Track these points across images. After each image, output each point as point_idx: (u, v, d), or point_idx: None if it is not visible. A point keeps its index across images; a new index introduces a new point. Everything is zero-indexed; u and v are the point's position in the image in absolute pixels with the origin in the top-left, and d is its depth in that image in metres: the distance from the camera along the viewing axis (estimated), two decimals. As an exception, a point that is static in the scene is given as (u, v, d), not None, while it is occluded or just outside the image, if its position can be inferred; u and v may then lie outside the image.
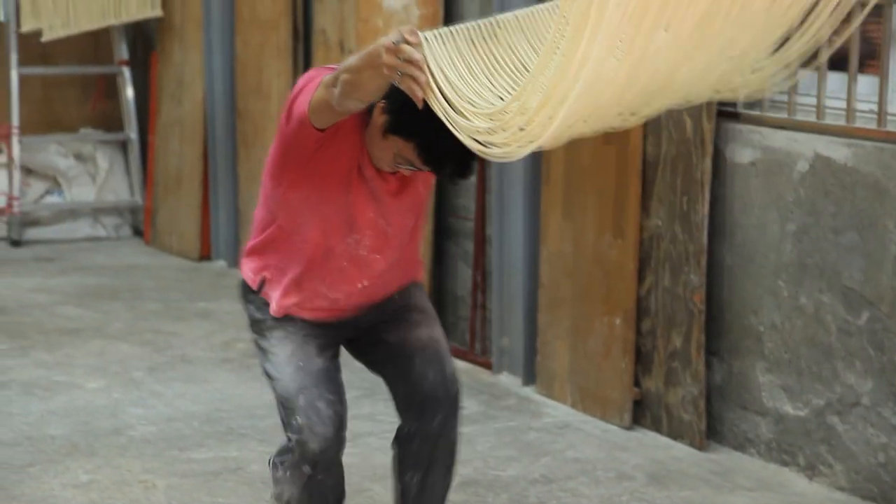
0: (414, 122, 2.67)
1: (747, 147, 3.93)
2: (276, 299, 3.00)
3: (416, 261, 3.15)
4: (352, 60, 2.59)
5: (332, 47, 5.57)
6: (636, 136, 4.10)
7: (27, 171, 6.82)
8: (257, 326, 3.05)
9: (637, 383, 4.20)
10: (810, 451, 3.81)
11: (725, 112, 3.98)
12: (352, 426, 4.17)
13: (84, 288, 5.88)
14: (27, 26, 6.46)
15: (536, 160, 4.49)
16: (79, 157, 7.00)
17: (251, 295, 3.04)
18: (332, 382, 2.98)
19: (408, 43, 2.44)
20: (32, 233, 6.78)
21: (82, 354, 4.92)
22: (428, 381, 3.01)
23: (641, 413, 4.21)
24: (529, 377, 4.58)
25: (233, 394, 4.49)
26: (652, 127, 4.09)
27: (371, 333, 3.09)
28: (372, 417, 4.22)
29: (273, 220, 2.98)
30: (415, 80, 2.45)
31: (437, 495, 3.11)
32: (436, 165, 2.76)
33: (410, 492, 3.09)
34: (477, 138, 2.37)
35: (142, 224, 6.90)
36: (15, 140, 6.60)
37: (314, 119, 2.76)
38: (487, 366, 4.77)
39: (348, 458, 3.52)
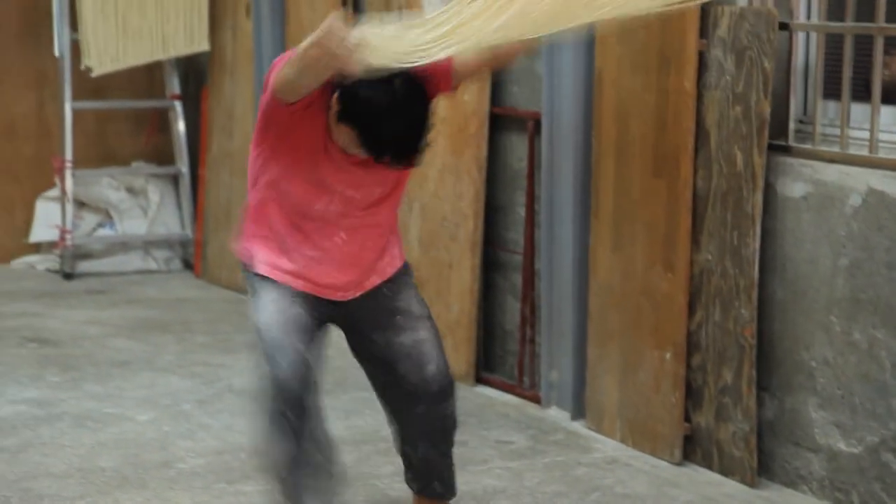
0: (357, 114, 3.06)
1: (799, 181, 3.90)
2: (265, 260, 3.30)
3: (394, 230, 3.42)
4: (305, 41, 2.97)
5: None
6: (686, 169, 4.09)
7: (80, 204, 6.89)
8: (252, 287, 3.36)
9: (687, 418, 4.16)
10: (864, 489, 3.75)
11: (776, 146, 3.96)
12: (399, 459, 4.16)
13: (135, 320, 5.92)
14: (87, 61, 6.53)
15: (585, 193, 4.48)
16: (130, 190, 7.07)
17: (247, 268, 3.37)
18: (307, 334, 3.27)
19: (339, 27, 2.89)
20: (85, 265, 6.84)
21: (133, 387, 4.95)
22: (409, 383, 3.34)
23: (692, 449, 4.17)
24: (578, 411, 4.55)
25: (281, 427, 4.49)
26: (702, 161, 4.07)
27: (362, 331, 3.39)
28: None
29: (260, 193, 3.31)
30: (343, 58, 2.91)
31: (432, 466, 3.46)
32: (376, 153, 3.10)
33: (409, 460, 3.50)
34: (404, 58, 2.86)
35: (192, 257, 6.94)
36: (68, 174, 6.68)
37: (280, 95, 3.10)
38: (536, 400, 4.75)
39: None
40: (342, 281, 3.31)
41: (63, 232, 6.70)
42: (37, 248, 7.05)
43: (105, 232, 6.95)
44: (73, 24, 6.56)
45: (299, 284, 3.29)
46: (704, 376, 4.11)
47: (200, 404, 4.74)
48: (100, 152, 7.12)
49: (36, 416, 4.58)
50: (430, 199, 5.10)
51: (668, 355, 4.17)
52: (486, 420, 4.56)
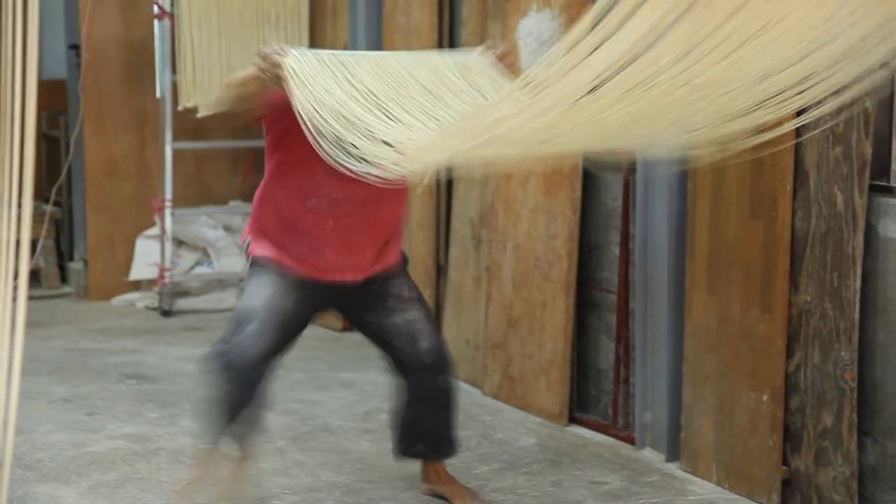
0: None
1: (900, 221, 3.84)
2: (269, 251, 3.69)
3: (397, 229, 3.78)
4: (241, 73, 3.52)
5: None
6: (785, 210, 4.04)
7: (178, 242, 7.01)
8: (251, 273, 3.73)
9: (785, 462, 4.10)
10: (970, 538, 3.66)
11: (878, 186, 3.90)
12: (492, 498, 4.17)
13: (231, 357, 5.98)
14: (185, 103, 6.65)
15: (681, 234, 4.45)
16: (227, 228, 7.17)
17: (251, 257, 3.75)
18: (286, 332, 3.69)
19: (276, 52, 3.35)
20: (182, 303, 6.95)
21: (228, 423, 4.99)
22: (404, 355, 3.68)
23: (790, 493, 4.10)
24: (673, 453, 4.51)
25: (374, 464, 4.50)
26: (801, 201, 4.02)
27: (356, 312, 3.78)
28: (513, 490, 4.20)
29: (268, 190, 3.77)
30: (278, 77, 3.34)
31: (417, 426, 3.82)
32: None
33: (398, 423, 3.89)
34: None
35: (287, 295, 7.00)
36: (167, 212, 6.79)
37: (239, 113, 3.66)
38: (630, 441, 4.70)
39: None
40: (342, 262, 3.65)
41: (162, 270, 6.81)
42: (137, 285, 7.17)
43: (203, 270, 7.05)
44: (175, 67, 6.70)
45: (303, 269, 3.65)
46: (803, 419, 4.04)
47: (294, 441, 4.77)
48: (198, 191, 7.24)
49: (134, 452, 4.65)
50: (523, 239, 5.10)
51: (765, 397, 4.11)
52: (579, 460, 4.53)
